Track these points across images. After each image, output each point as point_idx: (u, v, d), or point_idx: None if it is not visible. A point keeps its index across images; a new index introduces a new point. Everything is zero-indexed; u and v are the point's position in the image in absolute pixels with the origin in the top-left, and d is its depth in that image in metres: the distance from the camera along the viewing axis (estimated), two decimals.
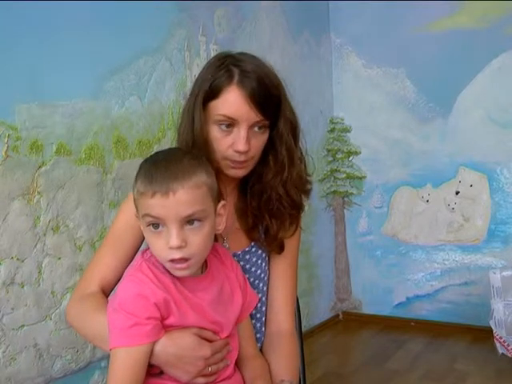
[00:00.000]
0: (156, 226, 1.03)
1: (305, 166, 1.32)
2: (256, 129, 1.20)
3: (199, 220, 1.04)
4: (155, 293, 1.03)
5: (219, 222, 1.11)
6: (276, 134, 1.25)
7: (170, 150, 1.15)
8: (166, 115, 2.66)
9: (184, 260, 1.03)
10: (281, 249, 1.33)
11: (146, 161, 1.09)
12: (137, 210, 1.08)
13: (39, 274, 2.11)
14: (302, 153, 1.31)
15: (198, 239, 1.03)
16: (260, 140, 1.23)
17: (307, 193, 1.33)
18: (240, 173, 1.24)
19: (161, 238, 1.03)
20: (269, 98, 1.20)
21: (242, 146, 1.18)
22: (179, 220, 1.01)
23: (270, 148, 1.26)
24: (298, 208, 1.31)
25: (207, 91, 1.19)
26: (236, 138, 1.19)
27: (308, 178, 1.32)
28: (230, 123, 1.19)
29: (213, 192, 1.07)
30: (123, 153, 2.44)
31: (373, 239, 3.97)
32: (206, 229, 1.05)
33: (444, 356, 3.28)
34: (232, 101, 1.17)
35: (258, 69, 1.21)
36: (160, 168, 1.03)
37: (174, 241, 1.01)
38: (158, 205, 1.01)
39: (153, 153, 1.14)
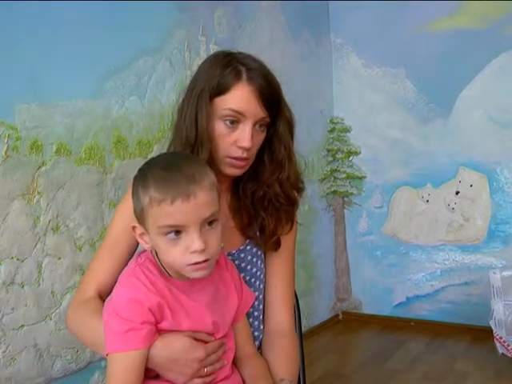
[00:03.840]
0: (177, 232, 1.00)
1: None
2: (257, 127, 1.22)
3: (216, 220, 1.03)
4: (149, 297, 1.03)
5: None
6: (275, 133, 1.27)
7: (166, 154, 1.12)
8: (166, 115, 2.65)
9: (204, 261, 1.02)
10: (277, 245, 1.32)
11: (147, 168, 1.04)
12: (142, 223, 1.03)
13: (39, 274, 2.11)
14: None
15: (215, 239, 1.03)
16: (259, 139, 1.24)
17: (301, 190, 1.33)
18: (238, 172, 1.24)
19: (179, 244, 1.00)
20: (274, 96, 1.22)
21: (246, 142, 1.19)
22: (200, 223, 0.99)
23: (265, 147, 1.27)
24: (293, 205, 1.32)
25: (214, 87, 1.20)
26: (241, 134, 1.19)
27: (300, 177, 1.33)
28: (236, 119, 1.19)
29: (218, 191, 1.07)
30: (123, 153, 2.44)
31: (373, 239, 3.97)
32: (219, 228, 1.05)
33: (444, 356, 3.28)
34: (241, 96, 1.19)
35: (261, 67, 1.23)
36: (173, 172, 0.99)
37: (199, 244, 0.99)
38: (178, 211, 0.97)
39: (150, 157, 1.12)
